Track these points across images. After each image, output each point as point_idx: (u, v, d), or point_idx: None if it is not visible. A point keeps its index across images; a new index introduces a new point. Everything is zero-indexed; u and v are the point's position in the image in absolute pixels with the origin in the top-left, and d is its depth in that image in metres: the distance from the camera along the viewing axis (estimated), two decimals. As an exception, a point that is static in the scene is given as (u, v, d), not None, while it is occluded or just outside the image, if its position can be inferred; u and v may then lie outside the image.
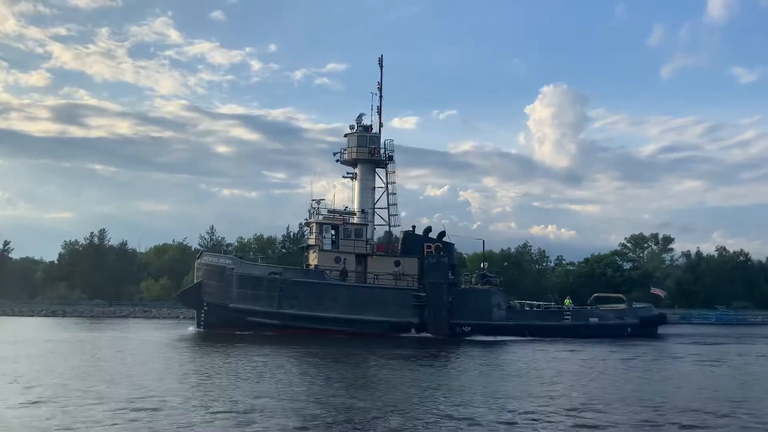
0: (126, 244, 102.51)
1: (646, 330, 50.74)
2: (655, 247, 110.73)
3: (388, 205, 51.69)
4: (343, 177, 52.02)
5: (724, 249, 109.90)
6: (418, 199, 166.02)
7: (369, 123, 52.23)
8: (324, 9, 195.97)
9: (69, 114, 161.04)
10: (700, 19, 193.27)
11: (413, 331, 46.90)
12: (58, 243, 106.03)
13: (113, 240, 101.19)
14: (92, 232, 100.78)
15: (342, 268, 47.79)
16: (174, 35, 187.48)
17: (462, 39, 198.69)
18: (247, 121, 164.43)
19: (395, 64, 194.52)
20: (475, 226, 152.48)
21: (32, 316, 72.41)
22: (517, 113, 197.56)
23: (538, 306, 52.57)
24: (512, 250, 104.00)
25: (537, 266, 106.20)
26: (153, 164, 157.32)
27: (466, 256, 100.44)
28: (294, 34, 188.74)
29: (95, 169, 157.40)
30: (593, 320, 50.31)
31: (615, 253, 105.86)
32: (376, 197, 52.08)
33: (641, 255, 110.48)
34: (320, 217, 49.39)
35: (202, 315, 47.35)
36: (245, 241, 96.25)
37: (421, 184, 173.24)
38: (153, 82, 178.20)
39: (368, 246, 49.78)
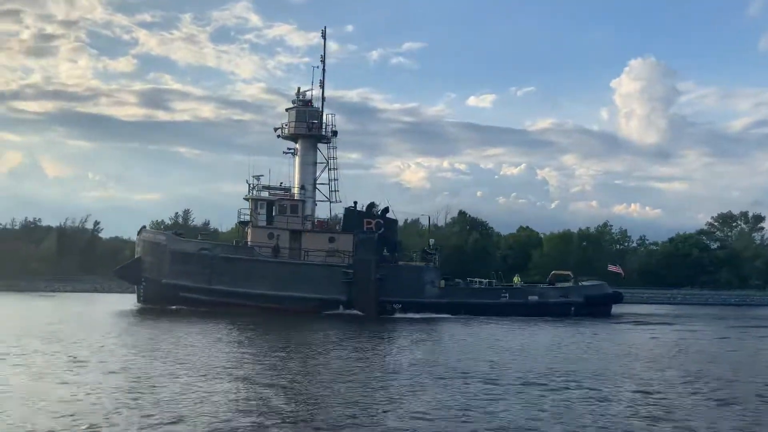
0: (208, 223, 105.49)
1: (593, 309, 48.25)
2: (744, 226, 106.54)
3: (329, 180, 51.43)
4: (284, 153, 52.01)
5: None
6: (494, 178, 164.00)
7: (309, 98, 51.70)
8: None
9: (155, 99, 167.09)
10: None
11: (341, 308, 46.83)
12: (146, 223, 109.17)
13: (197, 220, 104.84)
14: (177, 213, 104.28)
15: (274, 245, 48.18)
16: (254, 19, 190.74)
17: (543, 11, 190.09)
18: (324, 102, 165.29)
19: (472, 41, 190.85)
20: (553, 205, 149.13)
21: (120, 292, 76.45)
22: (600, 88, 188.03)
23: (480, 283, 51.06)
24: (591, 230, 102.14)
25: (618, 246, 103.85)
26: (234, 146, 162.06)
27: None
28: (371, 14, 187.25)
29: (180, 151, 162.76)
30: (533, 299, 48.39)
31: (702, 232, 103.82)
32: (318, 173, 51.85)
33: (729, 234, 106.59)
34: (256, 193, 49.71)
35: (141, 290, 49.17)
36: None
37: (496, 163, 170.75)
38: (234, 66, 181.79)
39: (306, 222, 49.81)
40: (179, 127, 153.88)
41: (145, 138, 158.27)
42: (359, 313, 46.01)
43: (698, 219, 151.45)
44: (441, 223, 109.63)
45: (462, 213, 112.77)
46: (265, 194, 49.82)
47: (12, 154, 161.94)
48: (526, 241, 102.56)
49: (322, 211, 53.12)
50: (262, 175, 49.84)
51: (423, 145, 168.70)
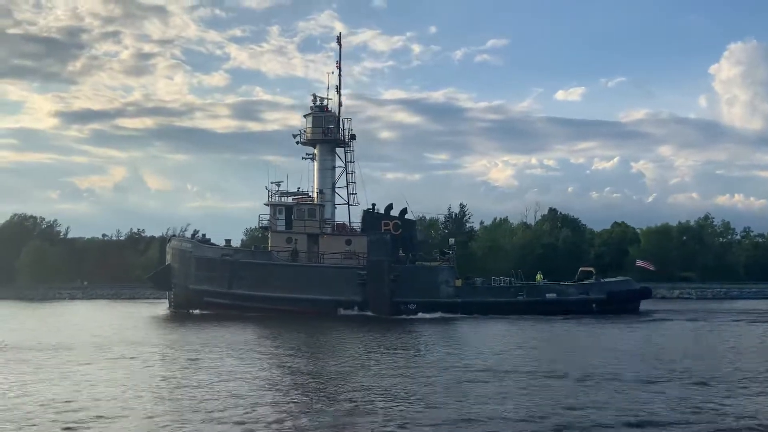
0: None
1: (617, 306, 45.65)
2: None
3: (347, 184, 51.85)
4: (303, 158, 52.92)
5: None
6: (585, 173, 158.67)
7: (325, 103, 52.43)
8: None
9: (246, 110, 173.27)
10: None
11: (356, 309, 47.13)
12: (240, 230, 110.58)
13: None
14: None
15: (292, 249, 49.21)
16: (338, 26, 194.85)
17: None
18: (409, 104, 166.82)
19: (557, 33, 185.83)
20: (650, 198, 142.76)
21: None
22: (697, 75, 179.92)
23: (503, 281, 49.56)
24: (691, 223, 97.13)
25: (721, 239, 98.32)
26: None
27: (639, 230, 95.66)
28: (453, 13, 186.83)
29: (269, 160, 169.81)
30: (551, 296, 46.44)
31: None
32: (336, 177, 52.40)
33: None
34: (276, 199, 50.90)
35: (172, 296, 51.71)
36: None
37: (588, 158, 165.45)
38: (320, 74, 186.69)
39: (325, 226, 50.48)
40: (270, 136, 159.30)
41: (238, 148, 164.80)
42: (371, 313, 46.19)
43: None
44: (531, 221, 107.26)
45: (552, 210, 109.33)
46: (284, 200, 51.01)
47: (117, 170, 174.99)
48: (622, 237, 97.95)
49: (344, 216, 53.61)
50: (281, 181, 51.04)
51: (510, 143, 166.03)
